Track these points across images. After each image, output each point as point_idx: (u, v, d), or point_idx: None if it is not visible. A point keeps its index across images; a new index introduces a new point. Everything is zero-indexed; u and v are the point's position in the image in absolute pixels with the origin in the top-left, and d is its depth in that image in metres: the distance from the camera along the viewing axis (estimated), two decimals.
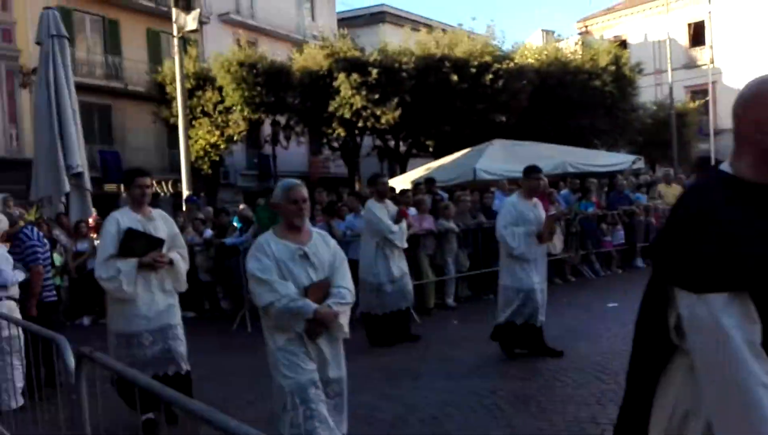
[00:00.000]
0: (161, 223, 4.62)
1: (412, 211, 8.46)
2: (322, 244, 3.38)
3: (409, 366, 5.85)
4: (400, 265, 6.72)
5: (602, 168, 15.44)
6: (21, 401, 4.85)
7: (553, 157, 15.00)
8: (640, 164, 16.70)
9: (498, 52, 21.39)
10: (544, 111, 22.96)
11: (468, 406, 4.69)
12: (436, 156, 20.95)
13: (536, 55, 24.07)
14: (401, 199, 8.28)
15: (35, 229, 5.90)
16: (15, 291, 5.20)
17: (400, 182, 15.23)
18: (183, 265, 4.64)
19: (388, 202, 6.88)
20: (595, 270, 10.98)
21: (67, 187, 9.99)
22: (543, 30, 41.02)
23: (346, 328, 3.29)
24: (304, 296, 3.16)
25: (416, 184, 10.87)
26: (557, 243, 6.88)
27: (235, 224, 9.38)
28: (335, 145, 23.62)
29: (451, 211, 8.63)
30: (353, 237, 8.26)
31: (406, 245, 6.85)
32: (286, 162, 23.78)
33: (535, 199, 5.88)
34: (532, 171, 5.82)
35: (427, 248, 8.32)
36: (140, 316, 4.38)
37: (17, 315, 5.15)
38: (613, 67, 24.06)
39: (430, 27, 24.29)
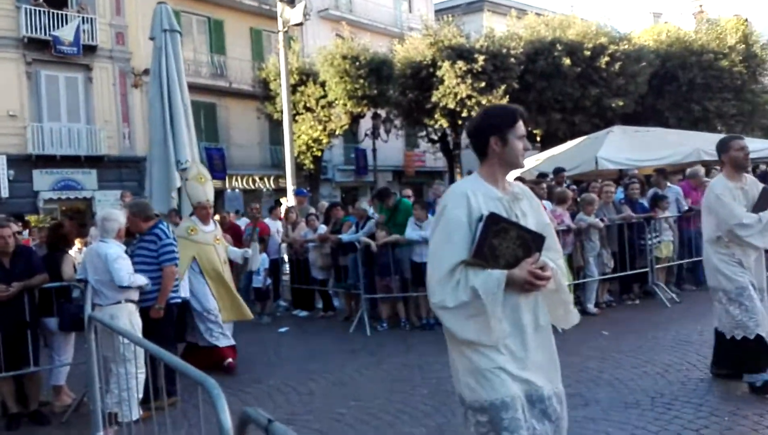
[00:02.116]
0: (528, 206, 2.51)
1: (547, 204, 7.55)
2: None
3: (578, 390, 4.81)
4: (759, 276, 4.51)
5: None
6: (141, 413, 4.45)
7: (683, 143, 13.62)
8: None
9: (614, 33, 19.86)
10: (664, 95, 21.23)
11: None
12: (544, 146, 19.77)
13: (655, 36, 22.25)
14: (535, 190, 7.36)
15: (170, 227, 5.50)
16: (134, 294, 4.80)
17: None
18: (564, 282, 2.54)
19: (749, 177, 4.57)
20: None
21: (178, 182, 9.84)
22: (652, 13, 38.44)
23: None
24: None
25: (542, 174, 9.89)
26: None
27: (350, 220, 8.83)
28: (434, 137, 22.93)
29: (595, 204, 7.63)
30: None
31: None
32: (382, 156, 23.30)
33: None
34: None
35: (566, 247, 7.36)
36: (509, 373, 2.33)
37: (137, 318, 4.78)
38: (742, 46, 21.84)
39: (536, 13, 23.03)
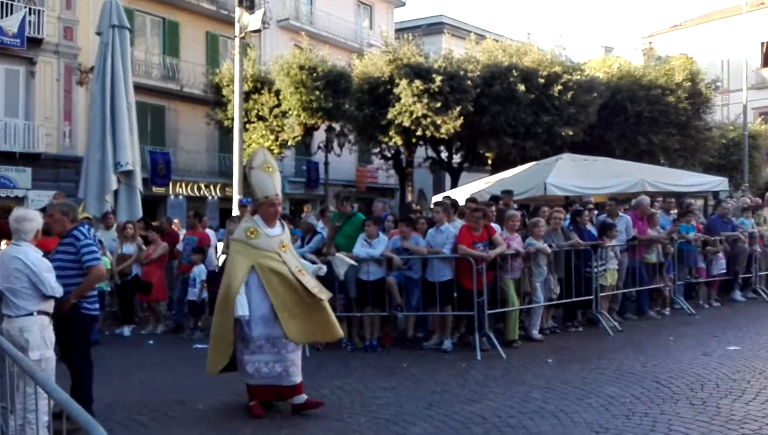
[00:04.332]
0: None
1: (497, 228, 7.44)
2: None
3: (522, 422, 4.64)
4: None
5: (683, 188, 14.41)
6: None
7: (629, 174, 13.99)
8: (724, 186, 15.35)
9: (568, 63, 20.25)
10: (612, 126, 21.74)
11: None
12: (494, 169, 19.91)
13: (606, 68, 22.84)
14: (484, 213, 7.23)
15: (91, 229, 5.02)
16: (49, 305, 4.38)
17: (458, 195, 14.25)
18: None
19: None
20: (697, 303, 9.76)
21: (114, 185, 9.34)
22: (604, 47, 39.67)
23: None
24: None
25: (495, 197, 9.83)
26: None
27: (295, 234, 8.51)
28: (387, 154, 22.83)
29: (542, 229, 7.56)
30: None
31: None
32: (334, 170, 23.10)
33: None
34: None
35: (514, 271, 7.26)
36: None
37: (50, 332, 4.35)
38: (688, 84, 22.65)
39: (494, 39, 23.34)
